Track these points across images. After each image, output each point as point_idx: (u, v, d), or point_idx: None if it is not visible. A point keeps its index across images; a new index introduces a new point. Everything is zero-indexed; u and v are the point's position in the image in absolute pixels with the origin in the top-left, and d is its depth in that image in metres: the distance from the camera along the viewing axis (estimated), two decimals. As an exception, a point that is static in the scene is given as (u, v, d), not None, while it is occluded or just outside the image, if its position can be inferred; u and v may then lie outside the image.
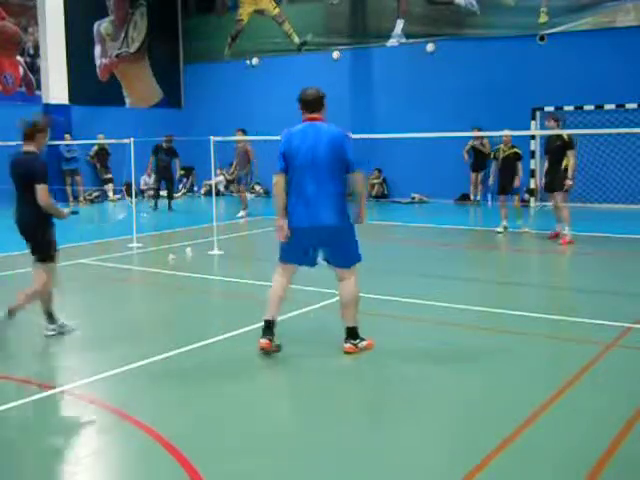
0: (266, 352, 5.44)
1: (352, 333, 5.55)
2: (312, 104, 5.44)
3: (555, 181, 10.98)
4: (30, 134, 6.15)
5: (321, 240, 5.45)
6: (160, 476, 3.71)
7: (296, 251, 5.52)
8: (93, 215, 16.85)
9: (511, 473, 3.65)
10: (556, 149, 10.92)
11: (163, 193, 17.69)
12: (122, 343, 6.09)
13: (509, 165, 12.11)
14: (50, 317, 6.25)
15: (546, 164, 11.30)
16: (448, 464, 3.75)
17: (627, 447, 3.88)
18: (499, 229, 12.17)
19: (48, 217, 6.07)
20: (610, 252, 10.37)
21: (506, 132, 11.66)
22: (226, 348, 5.92)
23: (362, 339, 5.58)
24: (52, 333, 6.22)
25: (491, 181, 12.97)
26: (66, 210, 6.34)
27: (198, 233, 12.37)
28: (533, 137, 16.41)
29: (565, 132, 11.54)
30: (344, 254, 5.52)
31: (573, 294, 7.88)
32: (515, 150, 12.18)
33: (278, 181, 5.42)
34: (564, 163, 10.84)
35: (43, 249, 6.10)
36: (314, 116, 5.45)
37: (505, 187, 12.22)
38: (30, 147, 6.09)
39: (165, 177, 17.56)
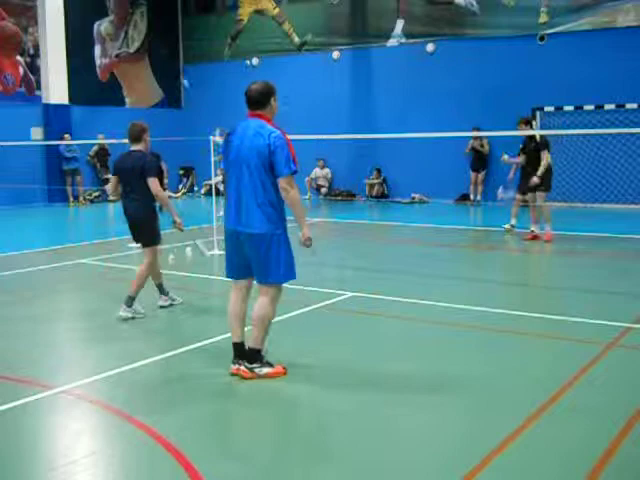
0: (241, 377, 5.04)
1: (249, 355, 5.03)
2: (251, 100, 5.02)
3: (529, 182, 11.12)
4: (137, 136, 6.85)
5: (244, 248, 4.94)
6: (160, 476, 3.71)
7: (230, 260, 5.10)
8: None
9: (511, 473, 3.65)
10: (532, 150, 11.10)
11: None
12: (122, 343, 6.09)
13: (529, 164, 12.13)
14: (161, 290, 7.22)
15: (519, 163, 11.47)
16: (448, 464, 3.74)
17: (627, 447, 3.88)
18: (506, 226, 12.22)
19: (155, 207, 6.92)
20: (610, 252, 10.37)
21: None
22: (226, 348, 5.91)
23: (265, 364, 5.06)
24: (164, 303, 7.19)
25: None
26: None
27: (198, 233, 12.37)
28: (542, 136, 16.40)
29: (567, 132, 11.58)
30: (263, 267, 4.90)
31: (573, 294, 7.87)
32: None
33: (223, 178, 5.29)
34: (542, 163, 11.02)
35: (150, 236, 6.88)
36: (254, 113, 5.00)
37: (521, 187, 12.23)
38: (139, 146, 6.82)
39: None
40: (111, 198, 19.71)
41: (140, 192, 6.69)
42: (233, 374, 5.06)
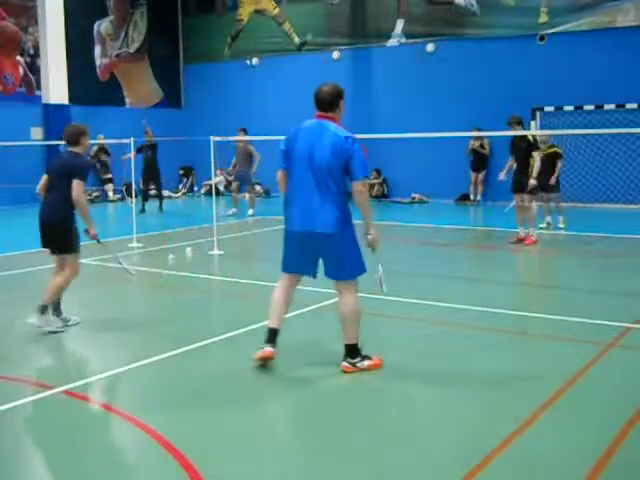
0: (265, 361, 5.17)
1: (349, 351, 5.16)
2: (322, 102, 5.03)
3: (523, 182, 11.00)
4: (75, 139, 6.43)
5: (316, 247, 5.06)
6: (160, 476, 3.71)
7: (292, 258, 5.21)
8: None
9: (511, 473, 3.65)
10: (523, 150, 10.99)
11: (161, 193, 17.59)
12: (122, 343, 6.10)
13: (548, 164, 12.15)
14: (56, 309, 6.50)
15: (511, 163, 11.31)
16: (448, 464, 3.74)
17: (627, 447, 3.88)
18: (542, 225, 12.28)
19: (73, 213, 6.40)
20: (610, 252, 10.37)
21: (543, 132, 11.84)
22: (226, 348, 5.92)
23: (365, 357, 5.18)
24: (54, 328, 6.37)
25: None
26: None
27: (198, 233, 12.37)
28: (533, 137, 16.38)
29: (567, 132, 11.58)
30: (337, 265, 5.07)
31: (573, 294, 7.87)
32: (555, 149, 12.29)
33: (280, 178, 5.20)
34: (531, 164, 10.99)
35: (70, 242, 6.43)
36: (324, 114, 5.05)
37: (544, 185, 12.27)
38: (76, 149, 6.42)
39: (152, 176, 16.72)
40: (111, 198, 19.80)
41: (62, 195, 6.20)
42: (257, 359, 5.13)
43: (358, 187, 4.95)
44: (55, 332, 6.26)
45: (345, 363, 5.15)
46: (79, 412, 4.64)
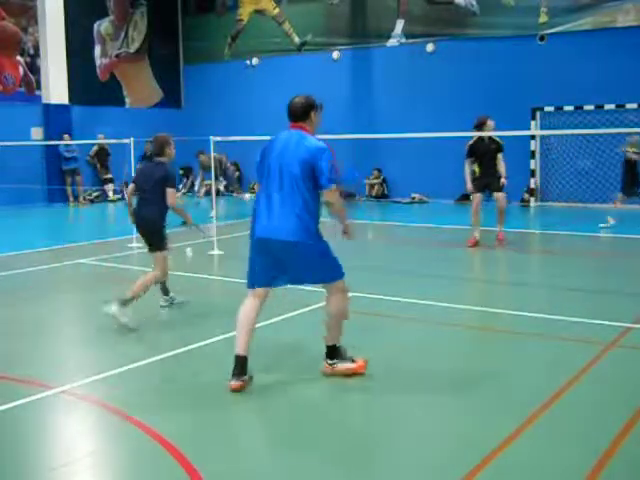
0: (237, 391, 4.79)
1: (328, 352, 5.07)
2: (294, 113, 4.98)
3: (496, 182, 11.02)
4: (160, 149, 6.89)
5: (283, 256, 4.85)
6: (160, 476, 3.71)
7: (259, 268, 5.01)
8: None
9: (511, 473, 3.65)
10: (492, 152, 11.01)
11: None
12: (122, 343, 6.09)
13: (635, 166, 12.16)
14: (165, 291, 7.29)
15: (472, 166, 11.13)
16: (449, 463, 3.74)
17: (627, 447, 3.88)
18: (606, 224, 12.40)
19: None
20: (610, 252, 10.36)
21: (543, 132, 11.77)
22: (226, 348, 5.91)
23: (346, 360, 5.07)
24: (165, 304, 7.26)
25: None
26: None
27: (198, 233, 12.35)
28: (533, 137, 16.41)
29: (567, 132, 11.57)
30: (324, 270, 4.94)
31: (573, 294, 7.87)
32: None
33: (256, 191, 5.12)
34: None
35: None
36: (296, 124, 4.98)
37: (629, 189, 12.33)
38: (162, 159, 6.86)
39: None
40: (111, 198, 19.77)
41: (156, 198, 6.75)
42: (233, 390, 4.75)
43: (328, 197, 4.83)
44: (127, 326, 6.38)
45: (325, 364, 5.08)
46: (79, 412, 4.64)
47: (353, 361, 5.10)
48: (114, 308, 6.33)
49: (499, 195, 11.10)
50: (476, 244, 10.95)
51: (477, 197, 11.07)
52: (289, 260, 4.88)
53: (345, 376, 5.02)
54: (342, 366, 5.07)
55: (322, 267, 4.94)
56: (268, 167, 4.91)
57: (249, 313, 4.95)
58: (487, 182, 11.11)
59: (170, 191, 6.69)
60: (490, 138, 10.96)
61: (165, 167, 6.79)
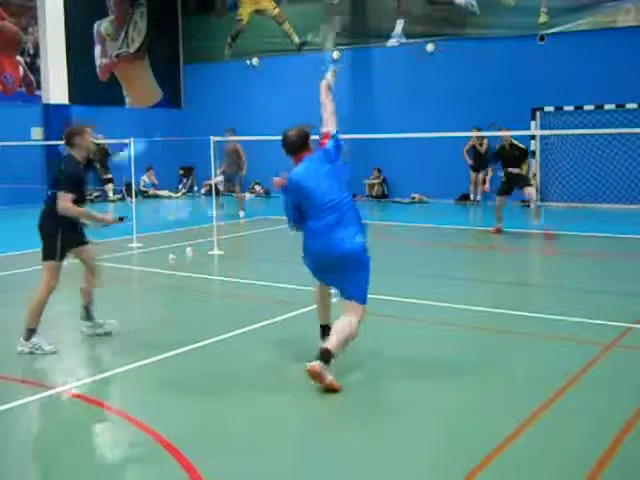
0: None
1: (322, 355, 4.77)
2: (295, 145, 5.16)
3: (524, 179, 12.35)
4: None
5: (345, 265, 4.98)
6: (160, 476, 3.71)
7: (323, 278, 5.24)
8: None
9: (511, 473, 3.65)
10: (516, 159, 12.06)
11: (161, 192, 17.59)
12: (122, 343, 6.09)
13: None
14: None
15: (499, 171, 12.55)
16: (449, 464, 3.75)
17: (627, 447, 3.88)
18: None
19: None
20: (610, 252, 10.36)
21: (543, 132, 12.47)
22: (226, 348, 5.91)
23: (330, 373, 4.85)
24: (89, 331, 6.26)
25: None
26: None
27: (198, 233, 12.37)
28: (533, 137, 16.41)
29: (567, 132, 11.72)
30: (360, 285, 5.02)
31: (573, 294, 7.87)
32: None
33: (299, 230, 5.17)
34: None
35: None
36: (301, 155, 5.15)
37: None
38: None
39: None
40: (111, 198, 19.79)
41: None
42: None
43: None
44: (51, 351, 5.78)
45: (314, 363, 4.77)
46: (79, 412, 4.64)
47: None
48: (24, 342, 5.73)
49: (530, 190, 12.17)
50: (499, 231, 12.12)
51: (499, 199, 12.29)
52: (350, 270, 5.02)
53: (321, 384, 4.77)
54: (327, 375, 4.77)
55: (365, 282, 5.06)
56: (318, 196, 4.96)
57: (322, 297, 5.43)
58: (512, 185, 12.11)
59: (59, 194, 5.57)
60: (512, 145, 12.00)
61: (72, 161, 5.81)
